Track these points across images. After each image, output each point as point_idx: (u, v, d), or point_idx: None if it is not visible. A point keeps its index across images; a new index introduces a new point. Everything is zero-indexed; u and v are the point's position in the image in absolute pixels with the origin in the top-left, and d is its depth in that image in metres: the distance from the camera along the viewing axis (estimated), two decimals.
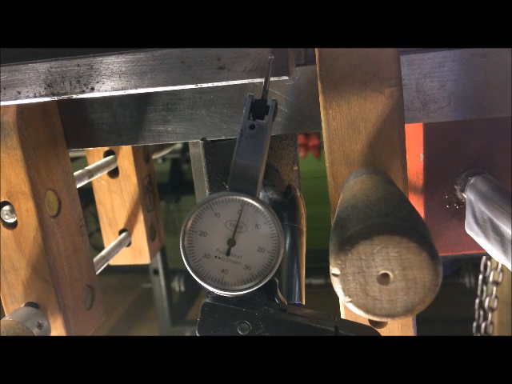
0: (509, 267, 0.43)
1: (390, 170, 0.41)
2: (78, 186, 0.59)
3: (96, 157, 0.75)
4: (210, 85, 0.39)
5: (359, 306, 0.29)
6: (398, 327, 0.44)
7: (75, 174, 0.59)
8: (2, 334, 0.44)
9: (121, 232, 0.79)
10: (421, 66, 0.44)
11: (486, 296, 1.15)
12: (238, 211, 0.35)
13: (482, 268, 1.13)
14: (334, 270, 0.29)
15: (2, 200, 0.49)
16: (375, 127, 0.40)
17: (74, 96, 0.41)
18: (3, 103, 0.42)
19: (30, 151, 0.48)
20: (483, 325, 1.16)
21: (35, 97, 0.42)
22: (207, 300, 0.37)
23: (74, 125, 0.53)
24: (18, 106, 0.47)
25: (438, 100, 0.45)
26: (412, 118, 0.46)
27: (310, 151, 2.06)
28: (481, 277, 1.14)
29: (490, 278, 1.12)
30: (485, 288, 1.15)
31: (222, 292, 0.35)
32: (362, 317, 0.30)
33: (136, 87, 0.40)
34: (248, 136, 0.36)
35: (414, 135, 0.54)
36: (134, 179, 0.76)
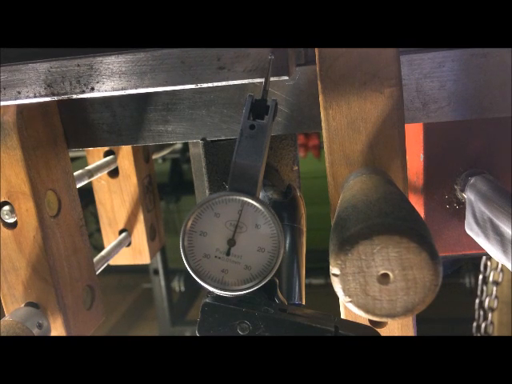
0: (509, 267, 0.43)
1: (390, 170, 0.41)
2: (78, 186, 0.59)
3: (96, 157, 0.75)
4: (210, 85, 0.39)
5: (359, 306, 0.29)
6: (398, 327, 0.44)
7: (75, 174, 0.59)
8: (2, 334, 0.44)
9: (121, 232, 0.79)
10: (421, 66, 0.44)
11: (486, 296, 1.15)
12: (238, 211, 0.35)
13: (482, 268, 1.13)
14: (333, 270, 0.29)
15: (2, 200, 0.49)
16: (375, 127, 0.40)
17: (74, 96, 0.41)
18: (3, 103, 0.42)
19: (30, 151, 0.48)
20: (483, 325, 1.16)
21: (35, 97, 0.42)
22: (207, 300, 0.37)
23: (73, 125, 0.53)
24: (18, 106, 0.47)
25: (438, 100, 0.45)
26: (412, 118, 0.46)
27: (310, 151, 2.06)
28: (481, 277, 1.14)
29: (490, 278, 1.12)
30: (485, 288, 1.15)
31: (222, 292, 0.35)
32: (361, 317, 0.30)
33: (136, 87, 0.40)
34: (248, 136, 0.36)
35: (414, 135, 0.54)
36: (133, 179, 0.76)
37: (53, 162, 0.51)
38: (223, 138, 0.50)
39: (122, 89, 0.40)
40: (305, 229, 0.51)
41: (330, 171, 0.41)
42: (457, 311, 1.71)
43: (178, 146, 1.88)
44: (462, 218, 0.54)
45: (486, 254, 0.51)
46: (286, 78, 0.39)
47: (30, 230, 0.49)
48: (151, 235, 0.81)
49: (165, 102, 0.49)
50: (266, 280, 0.35)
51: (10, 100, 0.42)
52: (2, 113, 0.47)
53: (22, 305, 0.51)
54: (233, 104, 0.48)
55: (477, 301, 1.17)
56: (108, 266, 0.70)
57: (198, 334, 0.37)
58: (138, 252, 0.80)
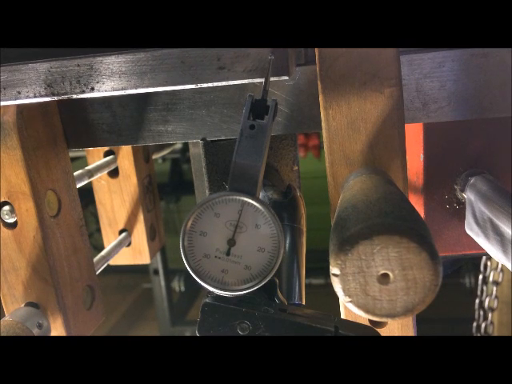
0: (509, 267, 0.43)
1: (390, 170, 0.41)
2: (78, 186, 0.59)
3: (96, 157, 0.75)
4: (210, 85, 0.39)
5: (359, 306, 0.29)
6: (398, 327, 0.44)
7: (75, 174, 0.59)
8: (2, 334, 0.44)
9: (121, 232, 0.79)
10: (421, 66, 0.44)
11: (486, 296, 1.15)
12: (238, 211, 0.35)
13: (482, 268, 1.13)
14: (333, 270, 0.29)
15: (2, 200, 0.49)
16: (375, 127, 0.40)
17: (74, 96, 0.41)
18: (3, 103, 0.42)
19: (30, 151, 0.48)
20: (483, 325, 1.16)
21: (35, 97, 0.42)
22: (207, 300, 0.37)
23: (73, 125, 0.53)
24: (18, 106, 0.47)
25: (438, 100, 0.45)
26: (412, 118, 0.46)
27: (310, 151, 2.06)
28: (481, 277, 1.14)
29: (490, 278, 1.12)
30: (485, 288, 1.15)
31: (222, 292, 0.35)
32: (362, 317, 0.30)
33: (136, 87, 0.40)
34: (248, 136, 0.36)
35: (414, 135, 0.54)
36: (134, 179, 0.76)
37: (53, 162, 0.51)
38: (223, 137, 0.50)
39: (122, 89, 0.40)
40: (305, 229, 0.51)
41: (330, 171, 0.41)
42: (457, 311, 1.71)
43: (178, 145, 1.88)
44: (462, 218, 0.54)
45: (486, 254, 0.51)
46: (286, 77, 0.39)
47: (30, 229, 0.49)
48: (151, 235, 0.81)
49: (165, 101, 0.49)
50: (266, 280, 0.35)
51: (10, 100, 0.42)
52: (2, 113, 0.47)
53: (22, 305, 0.51)
54: (233, 104, 0.48)
55: (477, 301, 1.17)
56: (108, 265, 0.70)
57: (197, 334, 0.37)
58: (138, 252, 0.80)
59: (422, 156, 0.54)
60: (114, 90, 0.40)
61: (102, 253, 0.70)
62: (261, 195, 0.48)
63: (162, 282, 2.00)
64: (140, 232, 0.79)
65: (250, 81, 0.39)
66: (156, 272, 1.99)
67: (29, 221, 0.48)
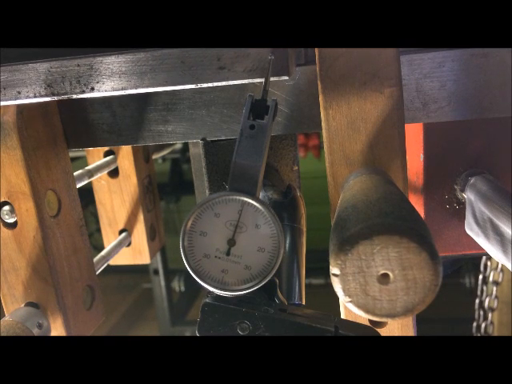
0: (509, 267, 0.43)
1: (390, 170, 0.41)
2: (78, 186, 0.59)
3: (96, 157, 0.75)
4: (210, 85, 0.39)
5: (359, 306, 0.29)
6: (398, 327, 0.44)
7: (75, 174, 0.59)
8: (2, 334, 0.44)
9: (121, 232, 0.79)
10: (421, 66, 0.44)
11: (486, 296, 1.15)
12: (238, 211, 0.35)
13: (482, 268, 1.13)
14: (333, 270, 0.29)
15: (2, 200, 0.49)
16: (375, 127, 0.40)
17: (74, 96, 0.41)
18: (3, 103, 0.42)
19: (30, 151, 0.48)
20: (483, 325, 1.16)
21: (35, 97, 0.42)
22: (207, 300, 0.37)
23: (73, 125, 0.53)
24: (18, 106, 0.47)
25: (438, 100, 0.45)
26: (412, 118, 0.46)
27: (310, 151, 2.06)
28: (481, 277, 1.14)
29: (490, 278, 1.12)
30: (485, 288, 1.15)
31: (222, 292, 0.35)
32: (361, 317, 0.30)
33: (136, 87, 0.40)
34: (248, 136, 0.36)
35: (414, 135, 0.54)
36: (134, 179, 0.76)
37: (53, 162, 0.51)
38: (223, 137, 0.50)
39: (122, 89, 0.40)
40: (305, 229, 0.51)
41: (330, 171, 0.41)
42: (457, 311, 1.71)
43: (178, 145, 1.88)
44: (462, 218, 0.54)
45: (486, 254, 0.51)
46: (286, 77, 0.39)
47: (30, 229, 0.49)
48: (151, 235, 0.81)
49: (165, 101, 0.49)
50: (266, 280, 0.35)
51: (10, 100, 0.42)
52: (2, 113, 0.47)
53: (22, 305, 0.51)
54: (233, 104, 0.48)
55: (477, 301, 1.17)
56: (108, 265, 0.70)
57: (198, 334, 0.37)
58: (138, 252, 0.80)
59: (422, 156, 0.54)
60: (113, 89, 0.40)
61: (102, 253, 0.70)
62: (261, 195, 0.48)
63: (162, 282, 2.00)
64: (140, 232, 0.79)
65: (250, 81, 0.39)
66: (156, 272, 1.99)
67: (29, 221, 0.48)
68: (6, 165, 0.47)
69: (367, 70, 0.39)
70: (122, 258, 0.80)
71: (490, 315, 1.15)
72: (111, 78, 0.40)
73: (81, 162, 1.09)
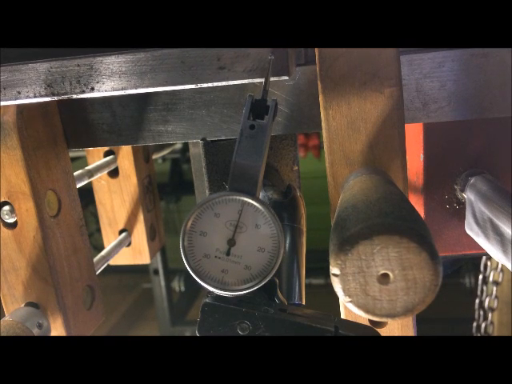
0: (509, 267, 0.43)
1: (390, 170, 0.41)
2: (78, 186, 0.59)
3: (96, 157, 0.75)
4: (209, 85, 0.39)
5: (359, 306, 0.29)
6: (398, 327, 0.44)
7: (75, 174, 0.59)
8: (2, 334, 0.44)
9: (121, 232, 0.79)
10: (421, 66, 0.44)
11: (486, 296, 1.15)
12: (238, 211, 0.35)
13: (482, 268, 1.13)
14: (333, 270, 0.29)
15: (2, 200, 0.49)
16: (375, 127, 0.40)
17: (74, 96, 0.41)
18: (3, 103, 0.42)
19: (30, 151, 0.48)
20: (483, 325, 1.16)
21: (35, 97, 0.42)
22: (207, 300, 0.37)
23: (73, 125, 0.53)
24: (18, 106, 0.47)
25: (438, 100, 0.45)
26: (412, 118, 0.46)
27: (310, 151, 2.06)
28: (481, 277, 1.14)
29: (490, 278, 1.12)
30: (485, 288, 1.15)
31: (222, 292, 0.35)
32: (361, 317, 0.30)
33: (136, 87, 0.40)
34: (248, 136, 0.36)
35: (414, 135, 0.54)
36: (134, 179, 0.76)
37: (53, 162, 0.51)
38: (223, 137, 0.50)
39: (122, 89, 0.40)
40: (305, 229, 0.51)
41: (330, 171, 0.41)
42: (457, 311, 1.71)
43: (178, 145, 1.88)
44: (462, 218, 0.54)
45: (486, 254, 0.51)
46: (286, 77, 0.39)
47: (30, 229, 0.49)
48: (151, 235, 0.81)
49: (165, 101, 0.49)
50: (266, 280, 0.35)
51: (10, 100, 0.42)
52: (2, 113, 0.47)
53: (22, 305, 0.51)
54: (233, 104, 0.48)
55: (477, 301, 1.17)
56: (108, 265, 0.70)
57: (198, 334, 0.37)
58: (138, 252, 0.80)
59: (422, 156, 0.54)
60: (114, 90, 0.40)
61: (102, 253, 0.70)
62: (261, 195, 0.48)
63: (162, 282, 2.00)
64: (140, 232, 0.79)
65: (250, 81, 0.39)
66: (156, 272, 1.99)
67: (29, 221, 0.48)
68: (6, 165, 0.47)
69: (367, 70, 0.39)
70: (122, 258, 0.80)
71: (490, 315, 1.15)
72: (111, 78, 0.40)
73: (81, 162, 1.09)
